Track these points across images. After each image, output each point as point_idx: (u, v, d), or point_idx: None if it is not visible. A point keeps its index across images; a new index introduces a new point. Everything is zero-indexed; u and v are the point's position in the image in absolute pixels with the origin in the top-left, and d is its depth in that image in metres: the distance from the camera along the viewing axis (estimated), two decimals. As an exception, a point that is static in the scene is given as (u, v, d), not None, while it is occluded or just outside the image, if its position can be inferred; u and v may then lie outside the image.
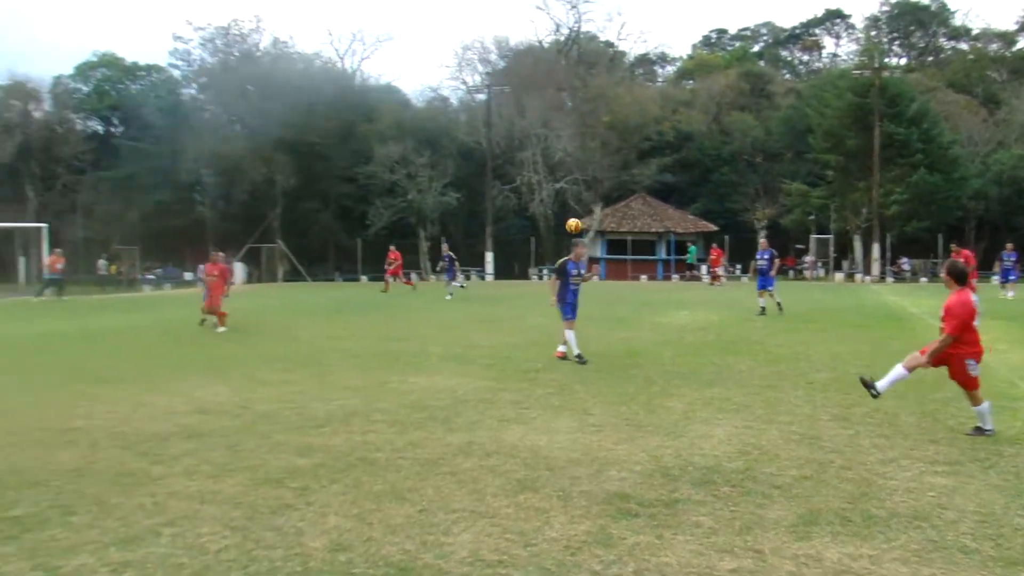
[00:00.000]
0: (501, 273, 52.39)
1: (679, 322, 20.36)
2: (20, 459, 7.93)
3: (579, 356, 13.76)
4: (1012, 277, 30.66)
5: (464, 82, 64.12)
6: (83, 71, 64.30)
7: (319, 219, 57.14)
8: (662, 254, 54.41)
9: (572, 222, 15.29)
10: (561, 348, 14.08)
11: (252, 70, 58.14)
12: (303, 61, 60.51)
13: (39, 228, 42.60)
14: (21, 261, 50.52)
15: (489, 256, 51.67)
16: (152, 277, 50.14)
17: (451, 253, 34.89)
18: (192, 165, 55.76)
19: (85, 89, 64.59)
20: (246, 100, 57.79)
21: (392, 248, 38.29)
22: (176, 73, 64.35)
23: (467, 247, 57.24)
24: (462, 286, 35.45)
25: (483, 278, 50.85)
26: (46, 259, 33.31)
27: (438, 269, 37.67)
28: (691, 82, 67.97)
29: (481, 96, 60.04)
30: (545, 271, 49.99)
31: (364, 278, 52.68)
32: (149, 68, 65.39)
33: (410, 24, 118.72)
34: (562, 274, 14.36)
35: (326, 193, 57.75)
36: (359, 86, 64.85)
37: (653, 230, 53.55)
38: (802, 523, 5.90)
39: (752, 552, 5.39)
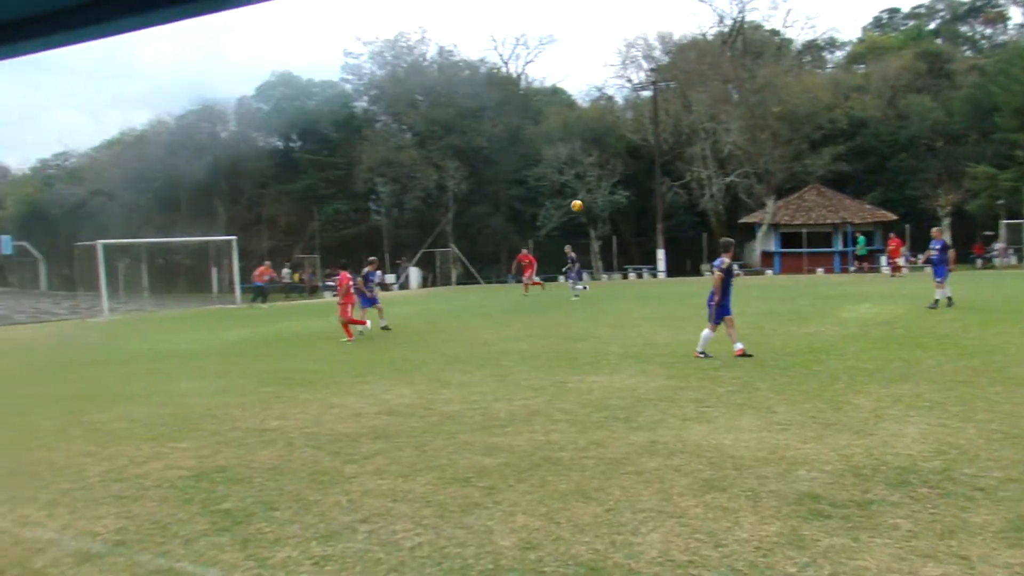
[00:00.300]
0: (673, 271, 51.76)
1: (862, 316, 19.57)
2: (225, 458, 8.41)
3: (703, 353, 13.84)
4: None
5: (629, 80, 63.61)
6: (264, 91, 67.32)
7: (490, 222, 57.89)
8: (838, 246, 52.43)
9: (576, 203, 15.11)
10: (739, 345, 13.80)
11: (420, 80, 59.50)
12: (468, 68, 61.46)
13: (229, 240, 44.90)
14: (214, 272, 53.35)
15: (660, 253, 51.11)
16: (332, 284, 51.96)
17: (573, 255, 34.99)
18: (366, 175, 57.50)
19: (266, 108, 67.65)
20: (416, 109, 59.23)
21: (524, 251, 39.18)
22: (348, 87, 66.54)
23: (637, 245, 56.88)
24: (584, 287, 35.21)
25: (655, 275, 50.40)
26: (257, 269, 34.64)
27: (563, 271, 37.16)
28: (863, 66, 65.11)
29: (646, 93, 59.42)
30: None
31: (537, 279, 53.11)
32: (323, 84, 67.87)
33: (572, 25, 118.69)
34: (728, 274, 14.29)
35: (496, 196, 58.46)
36: (524, 89, 65.41)
37: (828, 221, 51.62)
38: (1012, 529, 5.54)
39: (958, 558, 5.11)
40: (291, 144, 68.14)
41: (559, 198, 53.83)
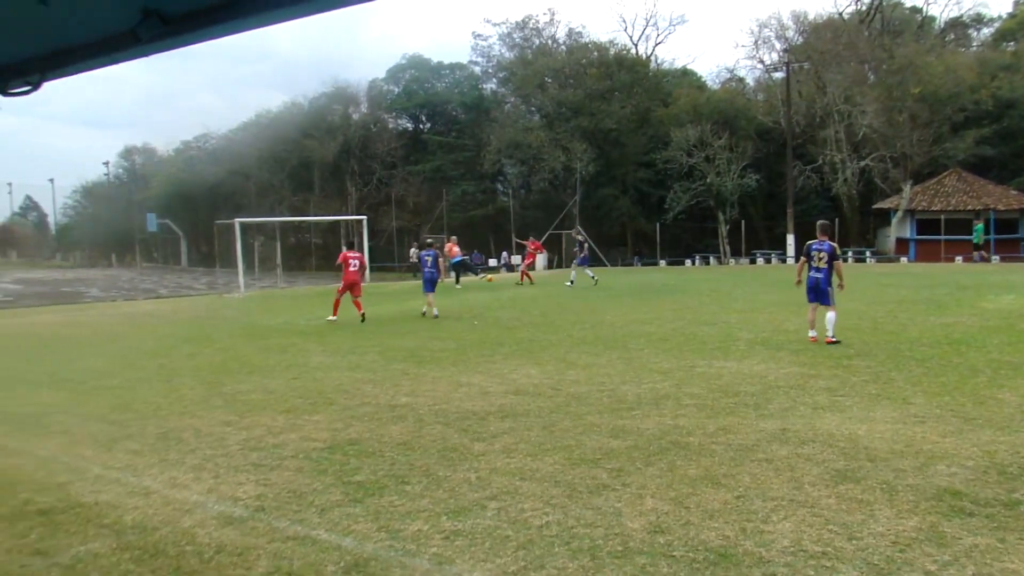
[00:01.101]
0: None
1: (1005, 307, 18.69)
2: (357, 431, 8.64)
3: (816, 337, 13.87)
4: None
5: (761, 61, 62.22)
6: (394, 73, 68.55)
7: (617, 205, 57.64)
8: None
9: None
10: (812, 333, 14.00)
11: (549, 62, 59.57)
12: (597, 50, 61.13)
13: (360, 220, 45.94)
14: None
15: (790, 239, 49.93)
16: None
17: (581, 238, 34.77)
18: (494, 156, 57.99)
19: (396, 90, 68.85)
20: (544, 91, 59.31)
21: (532, 238, 38.92)
22: (477, 69, 67.19)
23: (767, 230, 55.77)
24: (594, 279, 32.82)
25: (783, 260, 49.29)
26: (446, 246, 34.74)
27: (574, 253, 36.21)
28: (1012, 44, 62.02)
29: (779, 74, 58.03)
30: (850, 253, 47.72)
31: (663, 262, 52.70)
32: (452, 66, 68.63)
33: (704, 5, 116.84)
34: (807, 256, 14.37)
35: (624, 179, 58.15)
36: (654, 71, 64.70)
37: (969, 208, 49.37)
38: None
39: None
40: (420, 126, 69.24)
41: (687, 181, 53.17)
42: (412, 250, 54.42)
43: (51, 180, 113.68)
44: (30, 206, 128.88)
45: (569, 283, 31.43)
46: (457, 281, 32.58)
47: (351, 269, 21.32)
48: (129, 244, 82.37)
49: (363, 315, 20.66)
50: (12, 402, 11.35)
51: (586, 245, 33.70)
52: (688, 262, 52.65)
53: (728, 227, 54.14)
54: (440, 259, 24.37)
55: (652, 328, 16.74)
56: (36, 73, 2.52)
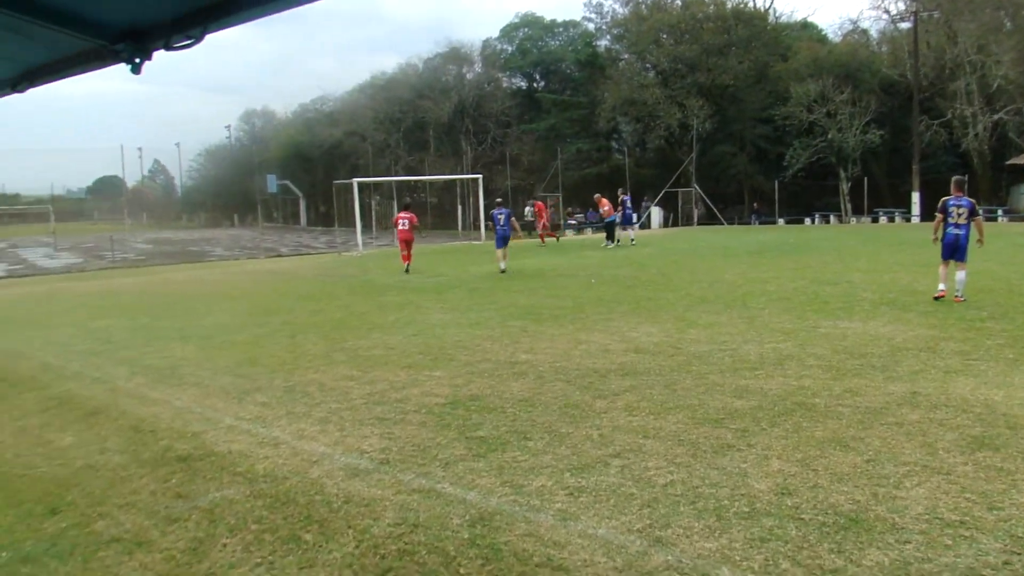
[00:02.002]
0: (929, 215, 48.66)
1: None
2: (478, 387, 8.72)
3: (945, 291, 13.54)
4: None
5: (886, 11, 59.84)
6: (507, 32, 68.37)
7: (734, 162, 56.52)
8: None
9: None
10: (942, 287, 13.52)
11: (664, 17, 58.49)
12: (714, 3, 59.67)
13: (475, 179, 46.17)
14: (459, 210, 55.07)
15: (916, 196, 48.08)
16: (573, 222, 52.48)
17: (627, 197, 34.10)
18: (609, 114, 57.43)
19: (510, 49, 68.68)
20: (659, 47, 58.31)
21: (536, 200, 38.65)
22: (590, 26, 66.43)
23: (890, 187, 53.86)
24: (632, 240, 33.57)
25: (908, 219, 47.59)
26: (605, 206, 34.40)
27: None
28: None
29: (906, 24, 55.61)
30: (980, 212, 45.65)
31: (781, 221, 51.56)
32: (566, 24, 68.02)
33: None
34: (944, 212, 13.98)
35: (741, 135, 56.94)
36: (772, 24, 62.85)
37: (1113, 162, 46.48)
38: None
39: None
40: (534, 84, 69.03)
41: (807, 137, 51.67)
42: (528, 208, 54.55)
43: (177, 144, 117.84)
44: (158, 170, 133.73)
45: (607, 245, 31.39)
46: (610, 239, 32.25)
47: (401, 228, 24.75)
48: (250, 205, 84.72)
49: (408, 268, 24.20)
50: (149, 355, 11.83)
51: (628, 203, 33.06)
52: (807, 220, 51.36)
53: (850, 184, 52.45)
54: (513, 218, 26.19)
55: (772, 287, 16.39)
56: (199, 26, 2.56)
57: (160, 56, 2.89)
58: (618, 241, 32.25)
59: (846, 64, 53.88)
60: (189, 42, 2.63)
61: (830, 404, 7.47)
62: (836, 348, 10.03)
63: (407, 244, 24.68)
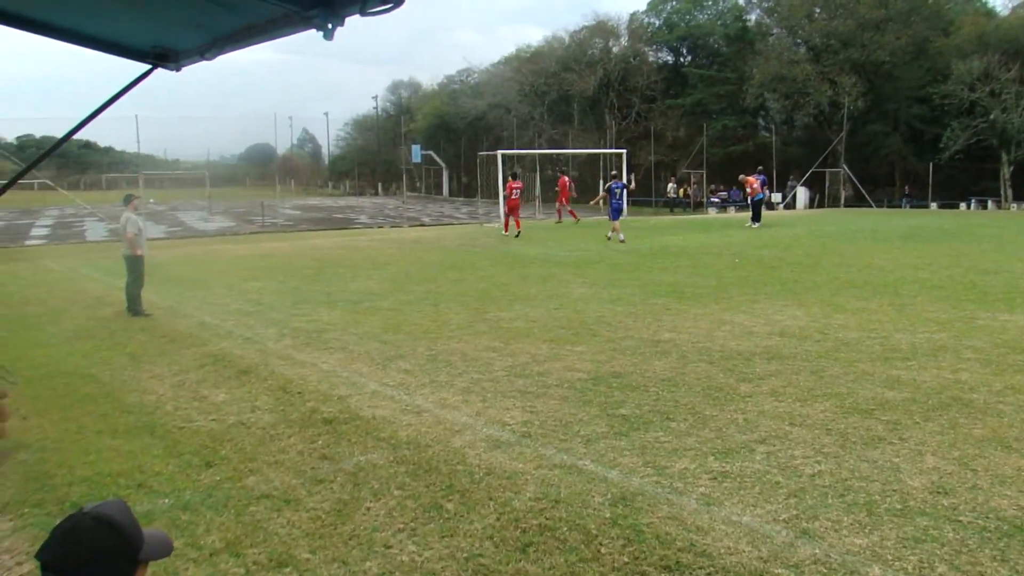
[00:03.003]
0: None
1: None
2: (620, 364, 8.67)
3: None
4: None
5: (1064, -19, 56.22)
6: (655, 6, 67.30)
7: (886, 143, 54.32)
8: None
9: None
10: None
11: (819, -11, 56.55)
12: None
13: (619, 153, 45.81)
14: (601, 184, 54.73)
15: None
16: (716, 200, 51.55)
17: (764, 177, 34.18)
18: (757, 90, 55.98)
19: (657, 23, 67.66)
20: (812, 21, 56.44)
21: (561, 174, 37.52)
22: (741, 0, 64.80)
23: (1060, 172, 50.86)
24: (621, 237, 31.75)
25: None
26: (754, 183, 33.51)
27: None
28: None
29: (1086, -5, 52.29)
30: None
31: (934, 205, 49.40)
32: (716, -3, 66.60)
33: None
34: None
35: (895, 115, 54.64)
36: (934, -3, 60.03)
37: None
38: None
39: None
40: (681, 59, 67.87)
41: (967, 118, 49.17)
42: (670, 185, 53.89)
43: (326, 113, 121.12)
44: (307, 138, 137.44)
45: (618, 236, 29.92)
46: (755, 219, 31.45)
47: (513, 197, 28.50)
48: (394, 174, 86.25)
49: (519, 232, 27.46)
50: (297, 318, 12.19)
51: (617, 191, 27.67)
52: (963, 205, 48.99)
53: (1012, 168, 49.67)
54: (628, 189, 29.41)
55: (926, 274, 15.74)
56: None
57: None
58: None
59: (1015, 39, 50.80)
60: (388, 6, 2.61)
61: (990, 401, 7.13)
62: (996, 342, 9.56)
63: (515, 211, 28.36)
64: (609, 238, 24.89)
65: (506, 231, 28.30)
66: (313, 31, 2.82)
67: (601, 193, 28.06)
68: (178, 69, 3.56)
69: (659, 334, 10.26)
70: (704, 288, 14.32)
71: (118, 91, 3.59)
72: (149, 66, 3.55)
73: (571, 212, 35.99)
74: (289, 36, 3.03)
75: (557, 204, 37.92)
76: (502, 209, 30.52)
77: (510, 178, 29.65)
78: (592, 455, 6.00)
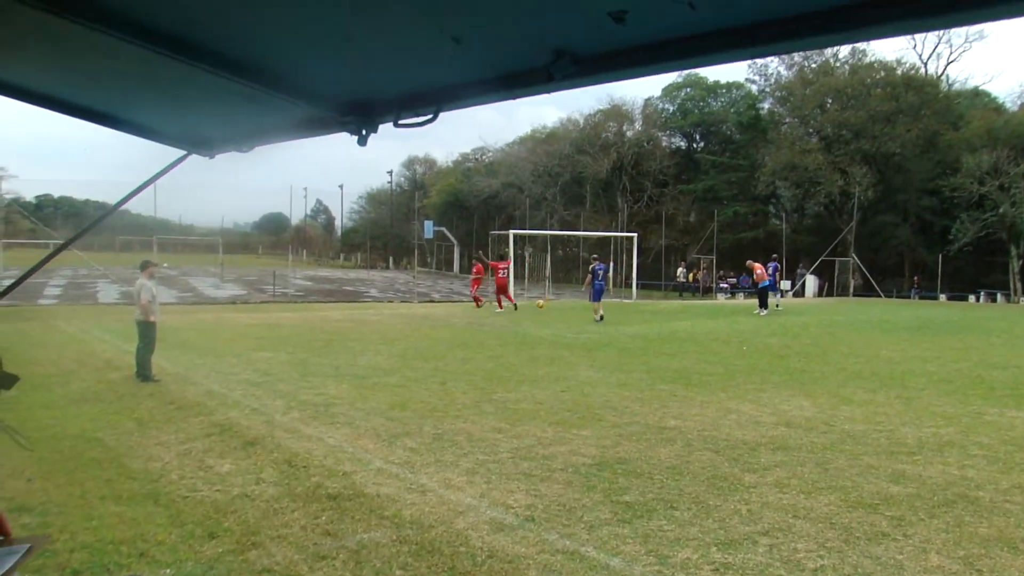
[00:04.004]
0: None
1: None
2: (625, 450, 8.67)
3: None
4: None
5: (1072, 81, 57.00)
6: (670, 92, 68.38)
7: (896, 233, 54.66)
8: None
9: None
10: None
11: (830, 81, 57.32)
12: (884, 69, 58.15)
13: (631, 236, 46.11)
14: (611, 267, 55.02)
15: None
16: (726, 286, 51.71)
17: (776, 264, 35.54)
18: (768, 178, 56.55)
19: (671, 108, 68.69)
20: (824, 112, 57.22)
21: (500, 258, 35.63)
22: (754, 88, 65.78)
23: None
24: (777, 305, 34.24)
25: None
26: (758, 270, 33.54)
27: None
28: None
29: (1093, 96, 52.94)
30: None
31: (943, 297, 49.47)
32: (729, 85, 67.56)
33: (1005, 21, 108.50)
34: None
35: (905, 206, 55.07)
36: (944, 92, 60.79)
37: None
38: None
39: None
40: (694, 144, 68.78)
41: (977, 211, 49.50)
42: (680, 270, 54.13)
43: (340, 186, 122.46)
44: (321, 209, 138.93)
45: (763, 310, 30.49)
46: (763, 305, 31.56)
47: (501, 275, 30.53)
48: (406, 249, 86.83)
49: (515, 305, 30.51)
50: (305, 391, 12.23)
51: (600, 273, 28.48)
52: (971, 298, 49.07)
53: (1021, 263, 49.85)
54: (608, 273, 29.94)
55: (933, 367, 15.75)
56: (432, 105, 2.68)
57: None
58: (777, 305, 31.86)
59: (1024, 135, 51.50)
60: (421, 120, 2.75)
61: (996, 499, 7.10)
62: (1003, 438, 9.55)
63: (505, 290, 30.79)
64: (595, 320, 26.00)
65: (500, 307, 29.98)
66: (347, 134, 2.95)
67: (587, 277, 28.41)
68: (212, 156, 3.69)
69: (665, 421, 10.27)
70: (711, 375, 14.34)
71: (153, 175, 3.72)
72: (184, 152, 3.69)
73: (509, 297, 31.97)
74: (326, 136, 3.16)
75: (474, 290, 34.10)
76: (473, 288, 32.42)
77: (498, 258, 31.76)
78: (595, 542, 5.99)
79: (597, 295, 26.80)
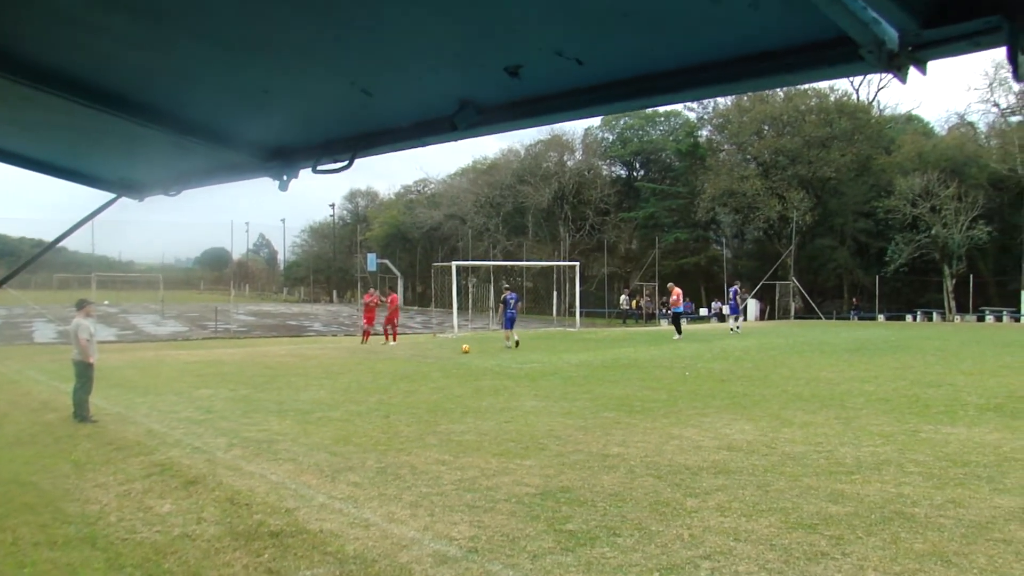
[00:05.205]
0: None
1: None
2: (568, 479, 8.70)
3: None
4: None
5: (996, 104, 58.47)
6: (608, 121, 69.13)
7: (834, 256, 55.75)
8: None
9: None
10: None
11: (766, 108, 58.46)
12: (817, 96, 59.47)
13: (572, 265, 46.41)
14: (555, 295, 55.28)
15: (1026, 295, 46.55)
16: (669, 312, 52.20)
17: (737, 288, 37.53)
18: (708, 204, 57.38)
19: (611, 137, 69.50)
20: (760, 138, 58.29)
21: (370, 291, 35.82)
22: (692, 116, 66.83)
23: (998, 285, 52.30)
24: (737, 328, 36.27)
25: (1017, 319, 46.06)
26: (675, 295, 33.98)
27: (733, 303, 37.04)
28: None
29: (1016, 118, 54.40)
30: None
31: (881, 317, 50.43)
32: (668, 114, 68.57)
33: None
34: None
35: (841, 229, 56.24)
36: (876, 117, 62.27)
37: None
38: None
39: None
40: (634, 173, 69.59)
41: (910, 232, 50.70)
42: (623, 297, 54.53)
43: (283, 220, 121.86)
44: (263, 243, 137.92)
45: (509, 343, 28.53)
46: (678, 332, 32.36)
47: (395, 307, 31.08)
48: (349, 282, 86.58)
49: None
50: (248, 428, 12.09)
51: (512, 302, 28.94)
52: (909, 317, 50.11)
53: (954, 282, 51.07)
54: (520, 303, 30.66)
55: (871, 387, 16.03)
56: (348, 152, 2.75)
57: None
58: (737, 328, 33.78)
59: (952, 158, 52.91)
60: (338, 166, 2.82)
61: (931, 515, 7.25)
62: (938, 455, 9.75)
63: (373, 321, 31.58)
64: (507, 347, 27.10)
65: (394, 340, 30.11)
66: (269, 179, 3.01)
67: (500, 307, 29.29)
68: (141, 199, 3.71)
69: (608, 448, 10.32)
70: (654, 402, 14.45)
71: (82, 218, 3.72)
72: (113, 195, 3.70)
73: (393, 332, 30.89)
74: (249, 180, 3.21)
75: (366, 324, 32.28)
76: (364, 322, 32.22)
77: (384, 291, 32.66)
78: (538, 571, 6.00)
79: (509, 323, 28.19)
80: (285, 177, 2.97)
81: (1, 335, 35.42)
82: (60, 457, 10.34)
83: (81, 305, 13.81)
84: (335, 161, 2.82)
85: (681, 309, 33.15)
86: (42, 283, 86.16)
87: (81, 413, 12.89)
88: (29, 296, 55.11)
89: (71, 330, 13.66)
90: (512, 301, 28.65)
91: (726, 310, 42.32)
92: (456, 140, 2.56)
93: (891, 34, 1.67)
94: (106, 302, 61.13)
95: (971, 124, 59.95)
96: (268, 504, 7.90)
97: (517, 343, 27.44)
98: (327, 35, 2.08)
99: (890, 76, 1.73)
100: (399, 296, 31.27)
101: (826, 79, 1.98)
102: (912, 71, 1.77)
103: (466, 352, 24.62)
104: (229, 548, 6.66)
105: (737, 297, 37.50)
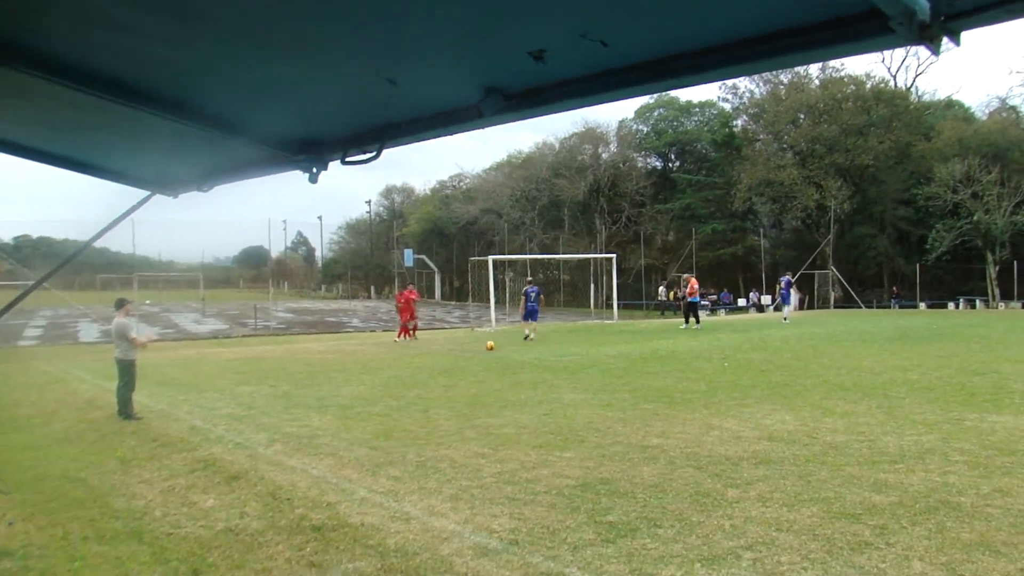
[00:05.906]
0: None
1: None
2: (608, 471, 8.67)
3: None
4: None
5: (1039, 87, 57.55)
6: (643, 113, 68.82)
7: (873, 244, 55.09)
8: None
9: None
10: None
11: (801, 97, 57.87)
12: (854, 83, 58.71)
13: (609, 258, 46.29)
14: (592, 288, 55.17)
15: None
16: (706, 303, 51.89)
17: (789, 278, 38.01)
18: (745, 194, 56.91)
19: (645, 129, 69.12)
20: (797, 127, 57.71)
21: (411, 287, 33.44)
22: (727, 106, 66.28)
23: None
24: (785, 319, 36.10)
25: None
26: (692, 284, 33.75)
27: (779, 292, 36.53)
28: None
29: (1059, 101, 53.43)
30: None
31: (923, 305, 49.78)
32: (702, 105, 68.12)
33: (973, 30, 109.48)
34: None
35: (881, 217, 55.54)
36: (914, 104, 61.40)
37: None
38: None
39: None
40: (669, 164, 69.13)
41: (952, 219, 49.94)
42: (660, 289, 54.28)
43: (319, 217, 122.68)
44: (301, 241, 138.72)
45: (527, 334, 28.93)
46: (697, 321, 32.44)
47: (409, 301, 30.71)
48: (387, 277, 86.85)
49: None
50: (289, 423, 12.20)
51: (532, 295, 29.25)
52: (951, 305, 49.40)
53: (997, 268, 50.24)
54: (542, 296, 30.50)
55: (914, 376, 15.84)
56: (376, 143, 2.76)
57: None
58: (785, 319, 34.71)
59: (994, 143, 52.00)
60: (366, 157, 2.83)
61: (977, 504, 7.15)
62: (984, 443, 9.61)
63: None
64: (527, 337, 27.83)
65: (406, 337, 29.87)
66: (300, 173, 3.04)
67: (521, 299, 29.54)
68: (175, 196, 3.75)
69: (648, 439, 10.29)
70: (693, 392, 14.39)
71: (119, 215, 3.76)
72: (148, 192, 3.75)
73: (412, 329, 30.73)
74: (280, 173, 3.23)
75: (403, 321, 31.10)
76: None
77: (409, 287, 33.23)
78: (579, 563, 6.00)
79: (529, 315, 28.97)
80: (315, 170, 2.99)
81: (47, 336, 35.99)
82: (106, 454, 10.50)
83: (120, 304, 13.99)
84: (363, 152, 2.83)
85: (697, 299, 33.07)
86: (86, 284, 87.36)
87: (125, 410, 13.07)
88: (73, 297, 55.93)
89: (112, 329, 13.86)
90: (533, 294, 29.22)
91: (779, 300, 42.12)
92: (482, 127, 2.56)
93: (922, 4, 1.64)
94: (148, 301, 61.88)
95: (1013, 108, 58.95)
96: (310, 498, 7.95)
97: (527, 336, 28.29)
98: (352, 26, 2.09)
99: (929, 61, 1.70)
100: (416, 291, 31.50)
101: (855, 54, 1.95)
102: (945, 42, 1.73)
103: (491, 349, 24.58)
104: (272, 542, 6.72)
105: (790, 288, 37.39)
